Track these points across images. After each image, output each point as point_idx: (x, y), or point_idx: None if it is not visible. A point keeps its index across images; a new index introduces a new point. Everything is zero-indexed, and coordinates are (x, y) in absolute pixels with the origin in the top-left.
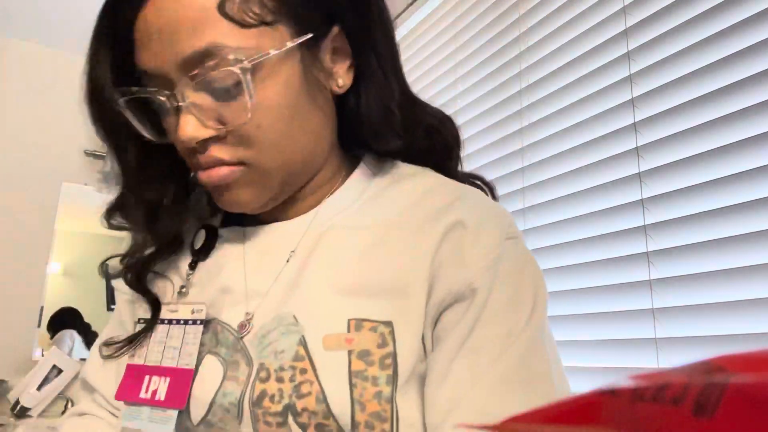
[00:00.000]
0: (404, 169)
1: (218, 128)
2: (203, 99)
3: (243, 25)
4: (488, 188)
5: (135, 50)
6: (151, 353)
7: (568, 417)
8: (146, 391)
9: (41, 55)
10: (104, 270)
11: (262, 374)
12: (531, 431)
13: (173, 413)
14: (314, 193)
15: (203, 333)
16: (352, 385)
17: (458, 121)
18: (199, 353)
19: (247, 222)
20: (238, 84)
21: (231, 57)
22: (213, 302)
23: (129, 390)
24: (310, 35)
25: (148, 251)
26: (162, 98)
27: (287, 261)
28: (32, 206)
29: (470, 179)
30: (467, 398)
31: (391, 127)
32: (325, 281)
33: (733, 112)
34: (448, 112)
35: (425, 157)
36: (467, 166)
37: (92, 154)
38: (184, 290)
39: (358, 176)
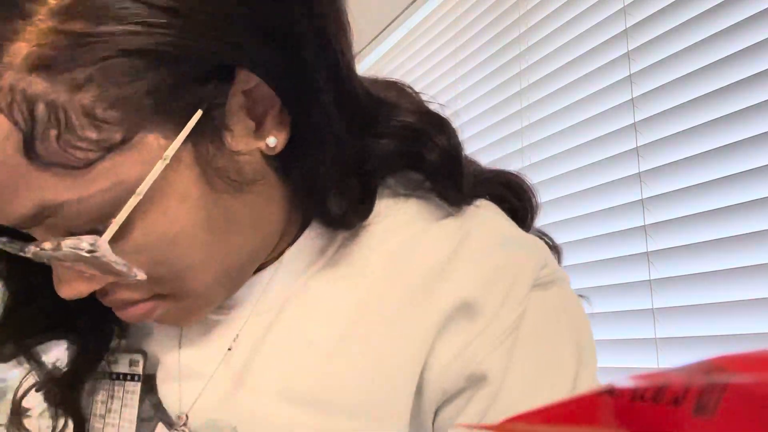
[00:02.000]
0: (380, 203)
1: (107, 281)
2: (67, 255)
3: (75, 167)
4: (515, 191)
5: None
6: (93, 417)
7: (568, 417)
8: None
9: None
10: None
11: None
12: (531, 431)
13: None
14: (264, 269)
15: (149, 393)
16: None
17: (458, 121)
18: (147, 417)
19: None
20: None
21: (70, 222)
22: (150, 356)
23: None
24: (199, 112)
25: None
26: (19, 253)
27: (228, 349)
28: None
29: (494, 180)
30: None
31: (344, 195)
32: (277, 384)
33: (733, 112)
34: (447, 112)
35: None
36: None
37: None
38: (124, 334)
39: (317, 227)
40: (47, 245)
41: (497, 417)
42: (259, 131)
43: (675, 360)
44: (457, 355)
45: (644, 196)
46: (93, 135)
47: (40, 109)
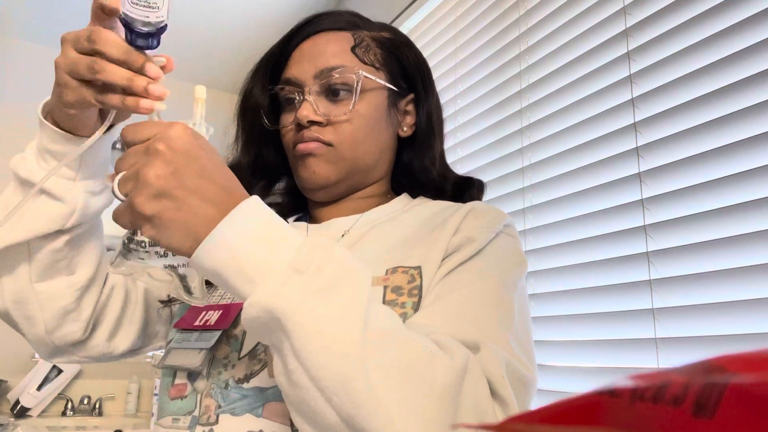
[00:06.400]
0: (431, 200)
1: (324, 118)
2: (320, 98)
3: (362, 62)
4: (479, 189)
5: (286, 68)
6: (213, 297)
7: (568, 417)
8: (199, 321)
9: (41, 55)
10: None
11: None
12: (531, 431)
13: (217, 333)
14: (364, 199)
15: None
16: None
17: (458, 121)
18: None
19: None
20: (348, 90)
21: (351, 71)
22: None
23: (186, 322)
24: (395, 89)
25: None
26: (295, 94)
27: (342, 236)
28: None
29: (473, 183)
30: (442, 299)
31: (435, 166)
32: (371, 253)
33: (733, 112)
34: (448, 112)
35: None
36: (468, 166)
37: None
38: None
39: (400, 199)
40: (345, 72)
41: (473, 261)
42: (402, 122)
43: (675, 360)
44: (466, 230)
45: (644, 196)
46: (371, 57)
47: (365, 42)
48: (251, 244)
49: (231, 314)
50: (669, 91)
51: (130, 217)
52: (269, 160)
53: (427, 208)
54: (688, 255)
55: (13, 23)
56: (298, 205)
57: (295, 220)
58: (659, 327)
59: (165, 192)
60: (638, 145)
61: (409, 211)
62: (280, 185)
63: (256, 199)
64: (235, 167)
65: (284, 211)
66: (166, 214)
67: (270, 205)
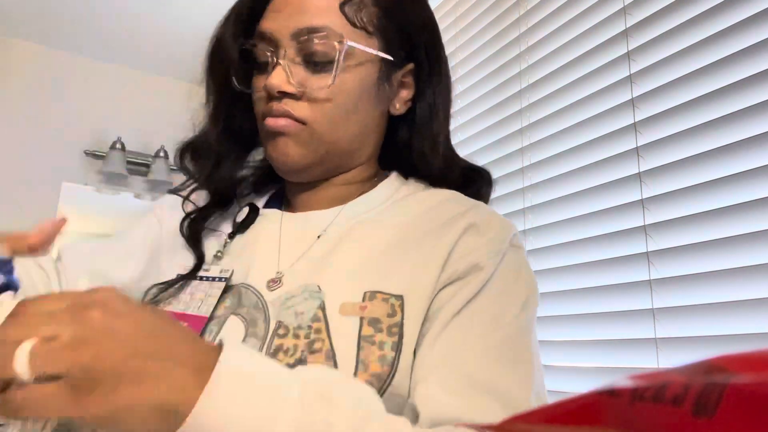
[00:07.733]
0: (426, 189)
1: (298, 89)
2: (296, 64)
3: (352, 24)
4: (488, 181)
5: (262, 18)
6: (178, 302)
7: (568, 417)
8: None
9: (41, 55)
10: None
11: (281, 331)
12: (531, 431)
13: None
14: (347, 185)
15: (229, 295)
16: (359, 348)
17: (458, 121)
18: (223, 313)
19: (285, 209)
20: (329, 60)
21: (335, 37)
22: (243, 269)
23: None
24: (391, 58)
25: (203, 204)
26: (268, 53)
27: (317, 238)
28: (32, 206)
29: (481, 173)
30: (454, 358)
31: (436, 153)
32: (350, 264)
33: (733, 112)
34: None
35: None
36: None
37: (92, 154)
38: (219, 254)
39: (388, 184)
40: (328, 36)
41: (481, 297)
42: (395, 97)
43: (675, 360)
44: (468, 252)
45: (644, 196)
46: (365, 18)
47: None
48: (243, 418)
49: (195, 328)
50: (669, 91)
51: (62, 408)
52: (242, 127)
53: (417, 201)
54: (688, 255)
55: (13, 23)
56: (276, 176)
57: (268, 201)
58: (659, 327)
59: (117, 370)
60: (638, 145)
61: (398, 204)
62: (257, 156)
63: (230, 355)
64: (203, 138)
65: (258, 185)
66: (122, 399)
67: (244, 177)
